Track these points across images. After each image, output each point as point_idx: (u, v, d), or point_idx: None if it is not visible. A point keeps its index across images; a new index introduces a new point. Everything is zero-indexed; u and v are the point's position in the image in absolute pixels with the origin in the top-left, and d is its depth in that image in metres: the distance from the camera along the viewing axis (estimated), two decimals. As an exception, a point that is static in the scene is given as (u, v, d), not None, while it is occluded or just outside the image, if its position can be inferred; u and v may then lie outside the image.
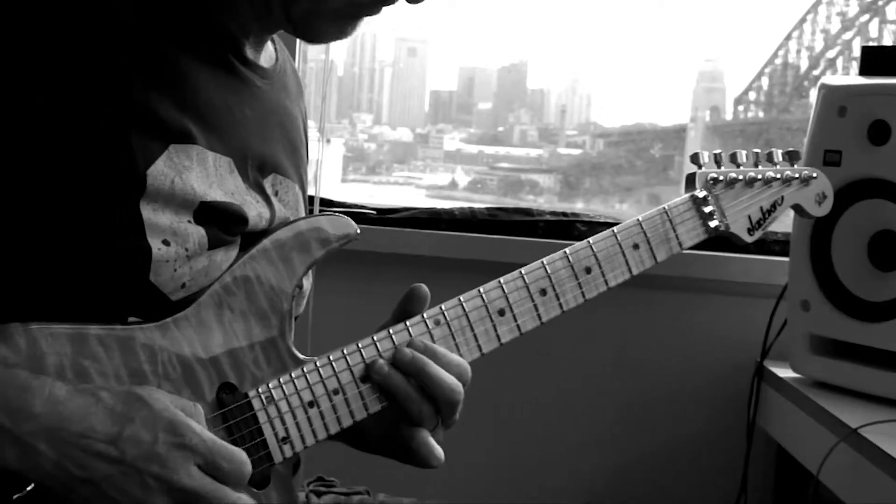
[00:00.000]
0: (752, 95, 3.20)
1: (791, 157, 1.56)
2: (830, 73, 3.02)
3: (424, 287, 1.34)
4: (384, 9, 1.29)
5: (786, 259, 2.16)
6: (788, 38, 3.11)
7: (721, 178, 1.48)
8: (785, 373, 2.17)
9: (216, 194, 1.25)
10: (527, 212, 2.54)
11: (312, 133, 2.73)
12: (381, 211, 2.51)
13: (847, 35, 3.04)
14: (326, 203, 2.48)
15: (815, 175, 1.58)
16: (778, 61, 3.14)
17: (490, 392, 2.35)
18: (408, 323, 1.32)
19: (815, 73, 3.08)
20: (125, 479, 1.09)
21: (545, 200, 3.19)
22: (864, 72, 2.08)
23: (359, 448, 1.42)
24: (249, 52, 1.35)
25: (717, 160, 1.49)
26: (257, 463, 1.23)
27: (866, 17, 3.03)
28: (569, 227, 2.47)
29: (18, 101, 1.16)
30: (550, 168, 3.31)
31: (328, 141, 2.67)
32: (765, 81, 3.17)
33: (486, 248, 2.41)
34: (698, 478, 2.40)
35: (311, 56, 2.65)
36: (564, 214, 2.52)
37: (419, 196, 3.27)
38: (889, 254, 1.98)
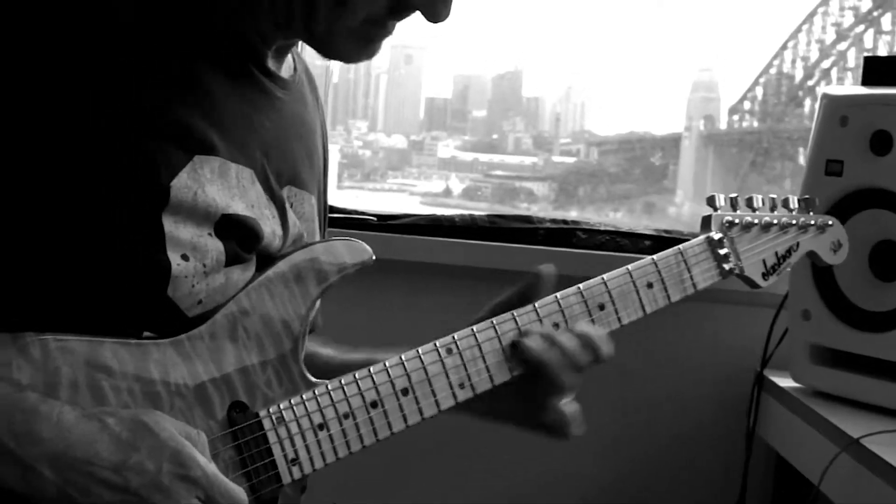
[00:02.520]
0: (746, 105, 3.20)
1: (808, 203, 1.56)
2: (825, 83, 3.03)
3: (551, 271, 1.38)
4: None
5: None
6: (783, 47, 3.12)
7: (737, 221, 1.48)
8: (785, 382, 2.17)
9: (238, 206, 1.25)
10: (527, 219, 2.54)
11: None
12: (381, 217, 2.51)
13: (842, 45, 3.05)
14: (329, 209, 2.46)
15: (830, 223, 1.58)
16: (773, 71, 3.14)
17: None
18: (419, 350, 1.33)
19: (810, 83, 3.08)
20: None
21: (539, 208, 3.18)
22: (865, 82, 2.08)
23: (478, 418, 1.44)
24: (271, 63, 1.34)
25: (734, 203, 1.49)
26: (266, 483, 1.24)
27: (861, 27, 3.03)
28: (569, 235, 2.48)
29: (47, 110, 1.15)
30: (545, 176, 3.31)
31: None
32: (759, 91, 3.18)
33: (487, 255, 2.41)
34: (697, 485, 2.40)
35: (308, 62, 2.64)
36: (564, 222, 2.53)
37: (413, 203, 3.26)
38: (890, 264, 1.99)
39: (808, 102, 3.10)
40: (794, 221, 1.53)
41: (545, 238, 2.47)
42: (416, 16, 1.26)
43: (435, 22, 1.26)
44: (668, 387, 2.46)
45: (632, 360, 2.45)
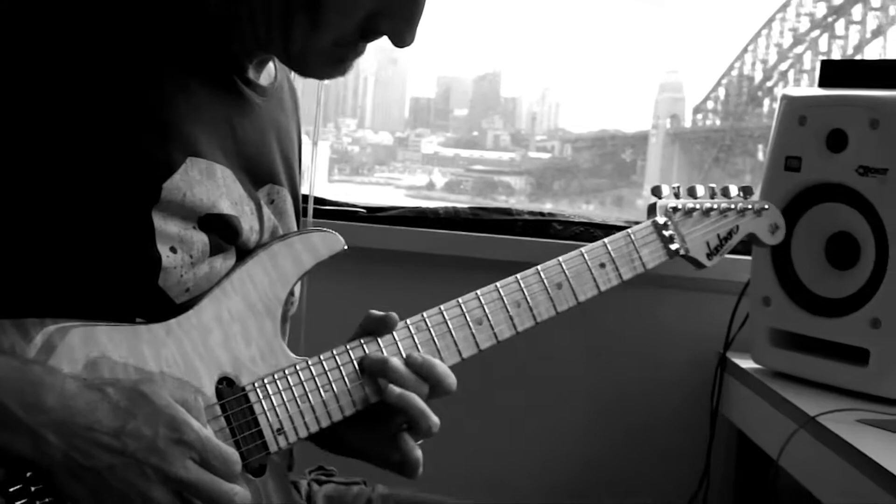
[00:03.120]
0: (710, 105, 3.20)
1: (745, 191, 1.62)
2: (783, 84, 3.03)
3: (395, 317, 1.35)
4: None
5: (748, 258, 2.15)
6: (744, 51, 3.11)
7: (680, 207, 1.54)
8: (747, 364, 2.16)
9: (223, 205, 1.27)
10: (506, 211, 2.53)
11: (305, 139, 2.73)
12: (370, 209, 2.50)
13: (799, 49, 3.05)
14: (320, 202, 2.46)
15: (766, 207, 1.63)
16: (734, 73, 3.14)
17: (470, 385, 2.31)
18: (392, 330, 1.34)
19: (769, 84, 3.08)
20: (127, 469, 1.11)
21: (517, 201, 3.18)
22: (822, 84, 2.07)
23: (329, 450, 1.43)
24: (252, 74, 1.37)
25: (677, 193, 1.55)
26: (254, 451, 1.26)
27: (817, 32, 3.03)
28: (545, 226, 2.46)
29: (50, 112, 1.17)
30: (522, 171, 3.31)
31: (315, 144, 2.67)
32: (722, 92, 3.17)
33: (468, 245, 2.39)
34: (664, 462, 2.38)
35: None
36: (542, 214, 2.51)
37: (398, 196, 3.26)
38: (845, 253, 1.97)
39: (766, 102, 3.10)
40: (731, 206, 1.59)
41: (523, 229, 2.45)
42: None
43: (400, 46, 1.28)
44: (637, 368, 2.44)
45: (603, 343, 2.44)
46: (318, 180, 2.72)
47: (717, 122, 3.20)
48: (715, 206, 1.56)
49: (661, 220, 1.52)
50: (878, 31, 2.96)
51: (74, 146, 1.17)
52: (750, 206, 1.60)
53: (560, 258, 1.43)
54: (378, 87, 3.38)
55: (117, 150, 1.19)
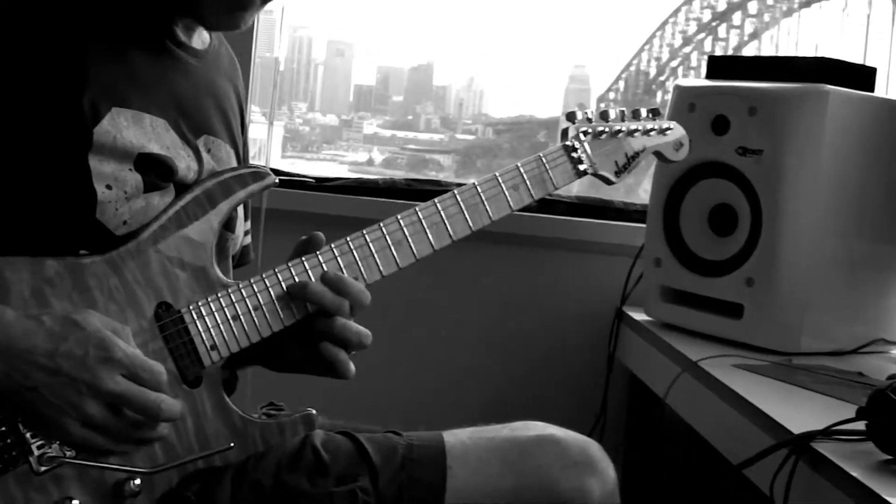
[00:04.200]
0: (611, 95, 3.19)
1: (653, 113, 1.51)
2: (673, 79, 3.04)
3: (322, 235, 1.33)
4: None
5: (643, 225, 2.15)
6: (641, 50, 3.12)
7: (590, 130, 1.43)
8: (640, 316, 2.16)
9: (153, 147, 1.25)
10: (437, 182, 2.52)
11: (262, 118, 2.69)
12: (318, 180, 2.46)
13: (687, 49, 3.06)
14: (275, 173, 2.41)
15: (671, 126, 1.52)
16: (632, 68, 3.14)
17: (395, 323, 2.32)
18: (317, 252, 1.30)
19: (661, 78, 3.10)
20: (62, 386, 1.11)
21: (445, 176, 3.17)
22: (709, 76, 2.07)
23: (275, 369, 1.42)
24: (182, 36, 1.36)
25: (589, 118, 1.45)
26: (190, 366, 1.25)
27: (703, 34, 3.04)
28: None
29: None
30: (450, 150, 3.29)
31: (271, 123, 2.64)
32: (622, 84, 3.17)
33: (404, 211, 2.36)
34: (565, 402, 2.37)
35: (259, 54, 2.61)
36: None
37: (343, 170, 3.23)
38: (725, 222, 1.97)
39: (659, 95, 3.11)
40: (638, 127, 1.47)
41: (451, 198, 2.43)
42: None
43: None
44: (544, 319, 2.44)
45: (516, 297, 2.44)
46: (273, 156, 2.71)
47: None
48: (623, 129, 1.45)
49: (570, 143, 1.42)
50: (755, 35, 2.98)
51: (19, 102, 1.19)
52: (654, 127, 1.49)
53: (475, 181, 1.37)
54: (326, 75, 3.35)
55: (53, 104, 1.20)
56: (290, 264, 1.29)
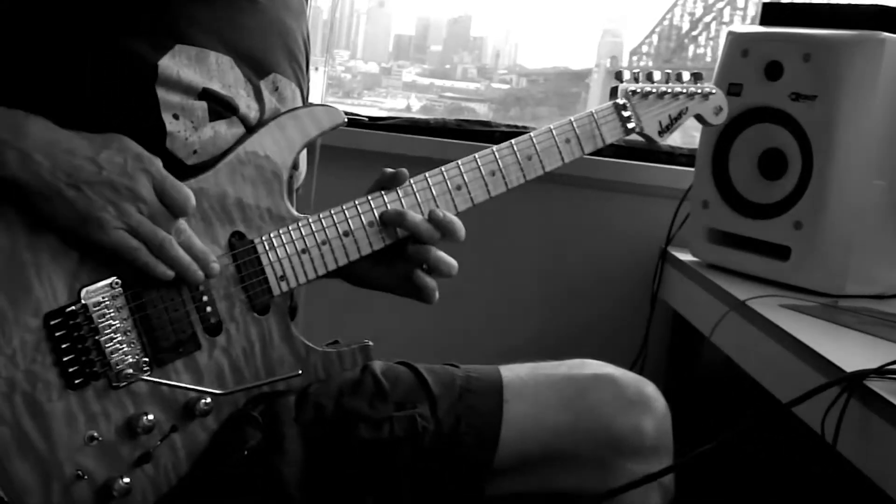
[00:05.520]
0: (644, 48, 3.15)
1: (696, 77, 1.53)
2: (706, 34, 2.99)
3: (406, 172, 1.33)
4: None
5: (691, 169, 2.12)
6: (675, 4, 3.08)
7: (638, 90, 1.46)
8: (685, 257, 2.13)
9: (215, 85, 1.24)
10: (487, 123, 2.48)
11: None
12: (372, 118, 2.45)
13: (720, 4, 3.01)
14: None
15: (713, 91, 1.55)
16: (666, 23, 3.10)
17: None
18: (382, 193, 1.32)
19: (694, 33, 3.05)
20: (102, 185, 1.12)
21: (481, 124, 3.16)
22: (763, 22, 2.03)
23: (362, 286, 1.41)
24: None
25: (636, 77, 1.47)
26: (260, 294, 1.25)
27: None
28: (520, 136, 2.41)
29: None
30: (486, 99, 3.28)
31: (315, 69, 2.62)
32: (655, 38, 3.13)
33: (454, 151, 2.29)
34: (610, 336, 2.35)
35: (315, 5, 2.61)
36: (516, 126, 2.46)
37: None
38: (774, 166, 1.94)
39: (691, 48, 3.07)
40: (682, 90, 1.50)
41: (500, 139, 2.40)
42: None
43: None
44: (591, 258, 2.41)
45: (566, 235, 2.42)
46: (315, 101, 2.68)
47: (650, 63, 3.17)
48: (668, 90, 1.49)
49: (620, 101, 1.45)
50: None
51: (90, 36, 1.18)
52: (699, 91, 1.52)
53: (531, 133, 1.39)
54: (368, 25, 3.35)
55: (119, 41, 1.19)
56: (356, 202, 1.30)
